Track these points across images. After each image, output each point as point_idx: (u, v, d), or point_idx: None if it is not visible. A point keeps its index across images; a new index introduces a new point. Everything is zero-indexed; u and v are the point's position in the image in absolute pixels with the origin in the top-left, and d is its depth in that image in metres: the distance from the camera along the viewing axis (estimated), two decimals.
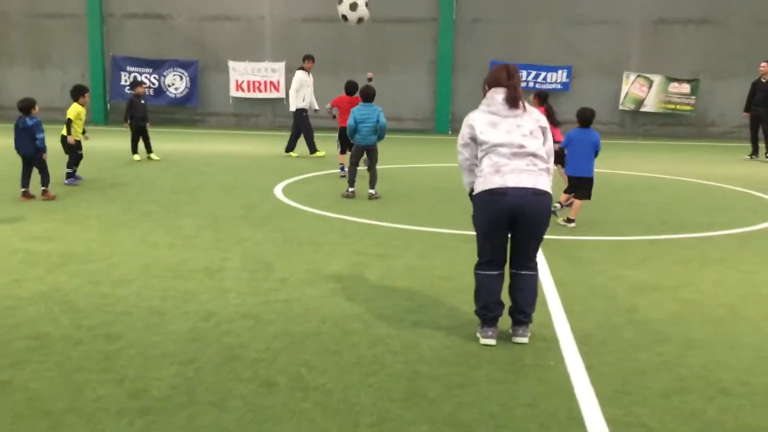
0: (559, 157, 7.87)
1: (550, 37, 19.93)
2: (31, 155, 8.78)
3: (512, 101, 4.17)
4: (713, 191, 10.49)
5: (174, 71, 21.53)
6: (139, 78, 20.99)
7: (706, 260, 6.26)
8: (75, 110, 10.24)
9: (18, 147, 8.82)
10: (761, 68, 14.32)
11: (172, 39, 21.51)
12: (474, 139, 4.19)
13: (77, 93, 10.45)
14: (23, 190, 8.80)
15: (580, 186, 7.63)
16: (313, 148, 14.21)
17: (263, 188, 10.07)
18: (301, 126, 14.14)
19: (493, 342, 4.18)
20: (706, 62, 19.46)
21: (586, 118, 7.62)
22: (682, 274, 5.77)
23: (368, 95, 9.36)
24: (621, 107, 19.80)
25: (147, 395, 3.44)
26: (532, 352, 4.07)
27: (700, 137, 19.30)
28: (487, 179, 4.09)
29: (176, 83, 21.48)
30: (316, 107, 14.62)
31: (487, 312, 4.23)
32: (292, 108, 14.13)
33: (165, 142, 17.14)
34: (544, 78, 20.02)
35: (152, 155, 13.14)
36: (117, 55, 21.62)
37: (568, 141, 7.68)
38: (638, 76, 19.71)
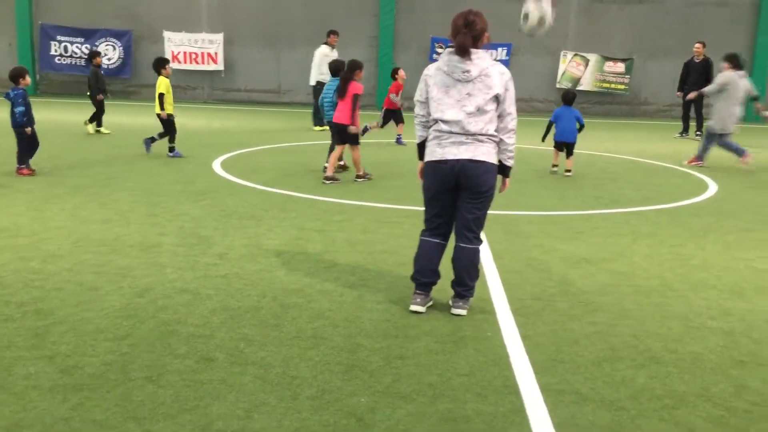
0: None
1: (490, 15, 19.94)
2: (14, 128, 8.43)
3: (460, 49, 4.02)
4: (645, 168, 10.80)
5: (106, 41, 20.83)
6: (70, 48, 20.23)
7: (637, 234, 6.46)
8: (164, 83, 10.06)
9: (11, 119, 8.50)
10: (695, 49, 14.76)
11: (104, 7, 20.77)
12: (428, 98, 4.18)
13: (159, 65, 10.18)
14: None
15: (567, 148, 9.83)
16: (316, 121, 14.29)
17: (201, 162, 9.88)
18: (316, 99, 14.26)
19: (421, 309, 4.25)
20: (640, 42, 19.94)
21: (568, 98, 9.99)
22: (614, 248, 5.94)
23: (332, 70, 9.10)
24: (558, 85, 20.13)
25: (80, 372, 3.36)
26: (470, 324, 4.13)
27: (634, 115, 19.82)
28: (430, 149, 4.19)
29: (109, 53, 20.79)
30: None
31: (420, 277, 4.31)
32: (312, 82, 14.30)
33: None
34: None
35: (103, 129, 12.88)
36: (46, 24, 20.76)
37: (555, 116, 9.95)
38: (575, 55, 20.06)
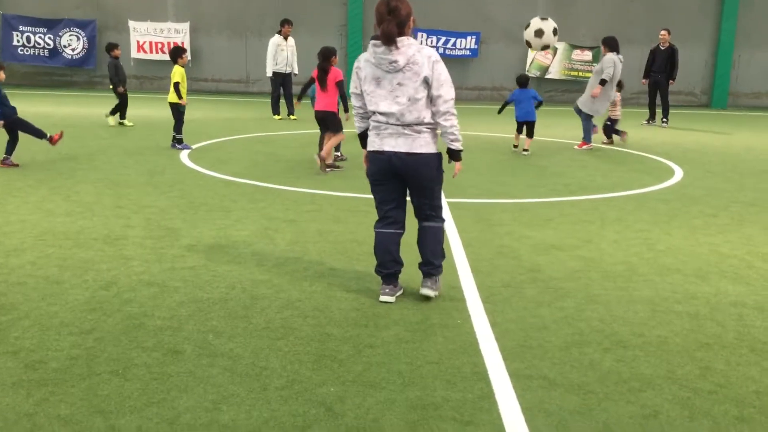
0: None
1: (459, 3, 20.05)
2: None
3: (385, 38, 3.89)
4: (612, 155, 10.91)
5: (70, 31, 20.44)
6: (32, 38, 19.82)
7: (604, 221, 6.52)
8: (180, 72, 10.00)
9: None
10: (660, 36, 14.91)
11: None
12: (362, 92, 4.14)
13: (176, 54, 10.12)
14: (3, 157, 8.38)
15: (528, 127, 10.61)
16: (275, 110, 14.58)
17: (169, 154, 9.75)
18: (272, 88, 14.66)
19: (390, 299, 4.24)
20: (606, 30, 20.08)
21: (522, 81, 10.88)
22: (582, 234, 5.99)
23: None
24: (527, 74, 20.21)
25: (44, 366, 3.30)
26: (440, 312, 4.14)
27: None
28: (370, 139, 4.18)
29: (73, 44, 20.42)
30: (296, 71, 14.94)
31: (382, 269, 4.29)
32: (268, 73, 14.56)
33: (62, 105, 16.34)
34: (453, 44, 20.19)
35: (126, 121, 12.73)
36: (8, 14, 20.31)
37: (512, 97, 10.83)
38: None
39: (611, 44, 11.17)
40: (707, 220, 6.64)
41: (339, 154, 9.36)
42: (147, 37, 20.29)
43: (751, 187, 8.42)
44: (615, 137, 11.86)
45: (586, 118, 11.28)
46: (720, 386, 3.29)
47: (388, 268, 4.28)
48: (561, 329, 3.93)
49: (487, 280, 4.72)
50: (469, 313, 4.15)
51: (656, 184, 8.42)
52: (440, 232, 4.31)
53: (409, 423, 2.89)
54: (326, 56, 8.50)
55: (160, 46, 20.37)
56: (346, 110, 8.54)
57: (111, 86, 12.64)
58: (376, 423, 2.88)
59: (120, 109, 12.61)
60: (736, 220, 6.67)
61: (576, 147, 11.33)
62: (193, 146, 10.38)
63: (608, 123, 11.87)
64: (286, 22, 14.60)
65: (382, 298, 4.26)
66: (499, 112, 11.18)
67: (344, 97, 8.49)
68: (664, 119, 15.09)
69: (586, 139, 11.28)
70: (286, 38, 14.48)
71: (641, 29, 19.61)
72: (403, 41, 3.94)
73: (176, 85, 10.02)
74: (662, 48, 14.76)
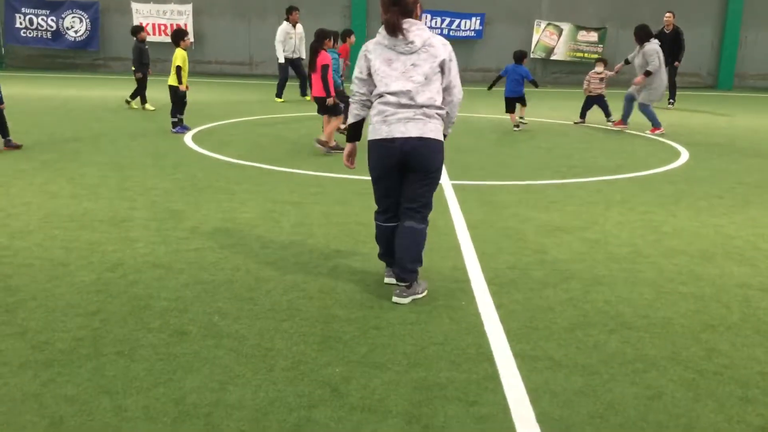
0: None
1: None
2: None
3: (390, 28, 3.85)
4: (618, 136, 10.86)
5: (73, 13, 20.36)
6: (35, 20, 19.73)
7: (609, 202, 6.50)
8: (181, 56, 9.90)
9: None
10: (665, 19, 14.78)
11: None
12: (371, 75, 4.00)
13: (178, 37, 10.01)
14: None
15: (516, 101, 11.05)
16: (279, 94, 14.69)
17: (173, 136, 9.73)
18: (281, 73, 14.72)
19: (393, 281, 4.19)
20: (612, 10, 19.94)
21: (517, 56, 11.03)
22: (587, 216, 5.98)
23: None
24: (532, 55, 20.08)
25: (51, 347, 3.31)
26: (445, 293, 4.14)
27: (608, 85, 19.87)
28: (375, 128, 3.96)
29: (75, 26, 20.33)
30: (303, 56, 14.87)
31: (385, 257, 4.26)
32: (281, 59, 14.66)
33: (65, 87, 16.33)
34: (458, 25, 20.06)
35: (147, 105, 12.58)
36: None
37: (504, 71, 11.17)
38: (548, 24, 20.01)
39: (643, 35, 11.03)
40: (712, 201, 6.62)
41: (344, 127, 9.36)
42: (150, 19, 20.19)
43: (757, 168, 8.38)
44: (601, 120, 11.83)
45: (644, 108, 11.06)
46: (725, 367, 3.29)
47: (391, 256, 4.21)
48: (566, 311, 3.93)
49: (492, 262, 4.72)
50: (474, 294, 4.15)
51: (662, 166, 8.39)
52: (422, 236, 4.05)
53: (414, 403, 2.90)
54: (319, 38, 8.48)
55: (163, 28, 20.29)
56: (329, 95, 8.48)
57: (133, 69, 12.53)
58: (381, 403, 2.89)
59: (139, 93, 12.52)
60: (741, 201, 6.64)
61: (648, 133, 11.13)
62: (196, 129, 10.36)
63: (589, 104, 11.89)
64: (293, 9, 14.54)
65: (387, 280, 4.26)
66: (489, 88, 11.67)
67: (326, 82, 8.44)
68: (671, 100, 15.01)
69: (656, 124, 11.09)
70: (294, 25, 14.48)
71: (648, 10, 19.44)
72: (416, 24, 3.89)
73: (178, 68, 9.94)
74: (667, 31, 14.64)
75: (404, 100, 3.87)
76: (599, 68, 11.78)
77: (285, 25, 14.46)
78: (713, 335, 3.65)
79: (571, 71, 20.41)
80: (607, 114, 11.76)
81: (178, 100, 10.08)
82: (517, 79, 10.95)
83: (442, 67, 3.92)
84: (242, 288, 4.15)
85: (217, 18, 20.57)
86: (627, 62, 11.74)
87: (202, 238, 5.11)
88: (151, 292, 4.05)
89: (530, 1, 20.06)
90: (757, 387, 3.11)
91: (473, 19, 19.99)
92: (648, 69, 10.86)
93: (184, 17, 20.18)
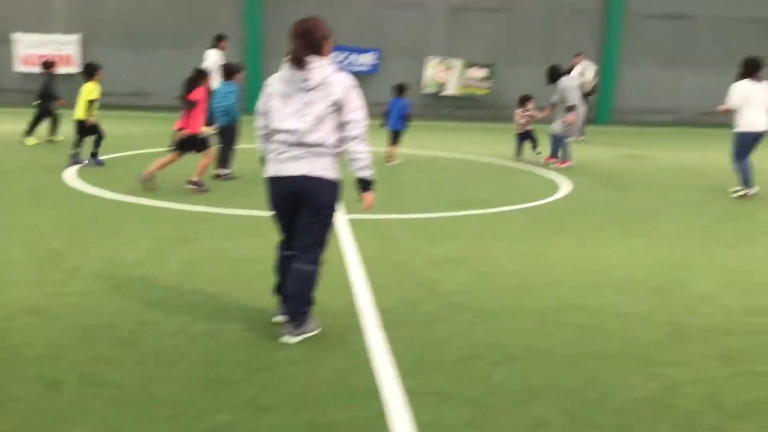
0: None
1: (359, 19, 20.24)
2: None
3: (293, 60, 3.83)
4: (507, 170, 11.26)
5: None
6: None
7: (498, 234, 6.71)
8: (96, 89, 9.70)
9: None
10: (576, 60, 15.76)
11: None
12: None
13: (92, 71, 9.81)
14: None
15: (397, 136, 11.37)
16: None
17: (54, 171, 9.29)
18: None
19: (282, 319, 4.09)
20: (501, 48, 20.79)
21: (398, 89, 11.57)
22: (478, 248, 6.14)
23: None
24: (424, 90, 20.61)
25: None
26: (336, 330, 4.12)
27: (497, 119, 20.61)
28: (269, 165, 3.98)
29: None
30: None
31: (279, 289, 4.19)
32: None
33: None
34: (353, 60, 20.34)
35: (31, 139, 11.97)
36: None
37: (390, 105, 11.56)
38: (440, 60, 20.63)
39: (555, 74, 11.73)
40: (593, 232, 6.95)
41: (229, 172, 9.19)
42: (33, 50, 19.34)
43: (636, 199, 8.88)
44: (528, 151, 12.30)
45: (557, 140, 11.70)
46: (603, 395, 3.43)
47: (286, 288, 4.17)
48: (455, 343, 3.99)
49: (384, 297, 4.74)
50: (365, 330, 4.15)
51: (545, 198, 8.75)
52: (313, 278, 3.98)
53: None
54: (197, 75, 8.37)
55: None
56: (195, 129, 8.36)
57: (38, 102, 12.10)
58: None
59: (36, 125, 12.10)
60: (621, 232, 7.01)
61: (554, 164, 11.67)
62: (81, 164, 9.93)
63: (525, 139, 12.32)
64: (222, 37, 14.41)
65: (277, 318, 4.19)
66: (382, 125, 11.71)
67: (208, 117, 8.54)
68: (583, 136, 15.74)
69: (566, 158, 11.66)
70: (223, 52, 14.26)
71: (535, 48, 20.42)
72: (318, 61, 3.86)
73: (91, 102, 9.80)
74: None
75: (293, 139, 3.86)
76: (528, 106, 12.19)
77: (215, 53, 14.16)
78: (593, 363, 3.80)
79: (462, 106, 21.08)
80: (535, 146, 12.20)
81: (87, 133, 9.89)
82: (398, 111, 11.36)
83: (338, 106, 3.87)
84: (124, 332, 3.97)
85: (107, 48, 19.93)
86: (553, 105, 12.27)
87: (83, 280, 4.87)
88: (25, 339, 3.82)
89: (423, 37, 20.63)
90: (633, 414, 3.26)
91: (368, 53, 20.35)
92: (568, 105, 11.50)
93: (70, 47, 19.47)
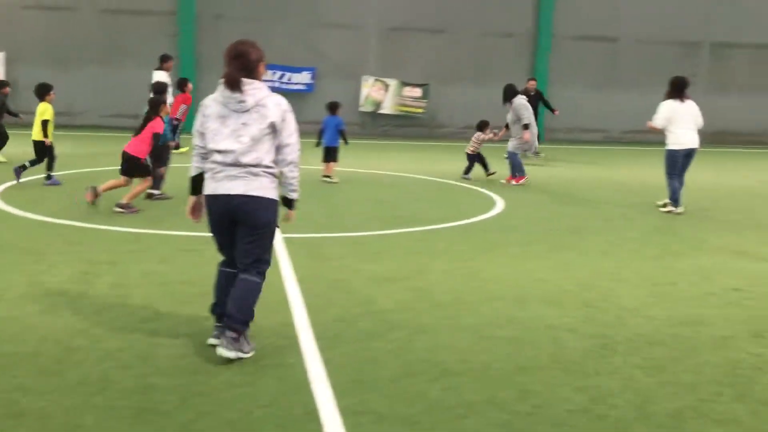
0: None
1: (293, 38, 20.23)
2: None
3: (228, 82, 3.86)
4: (442, 187, 11.39)
5: None
6: None
7: (434, 251, 6.76)
8: (49, 110, 9.70)
9: None
10: (529, 85, 16.19)
11: None
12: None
13: (45, 91, 9.80)
14: None
15: (330, 152, 11.46)
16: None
17: None
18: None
19: (217, 342, 4.02)
20: (435, 68, 21.10)
21: (330, 107, 11.86)
22: (413, 265, 6.17)
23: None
24: (361, 109, 20.72)
25: None
26: (273, 352, 4.07)
27: (432, 137, 20.87)
28: (206, 184, 4.02)
29: None
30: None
31: (215, 308, 4.14)
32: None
33: None
34: (289, 79, 20.30)
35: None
36: None
37: (325, 124, 11.62)
38: (376, 79, 20.80)
39: (510, 93, 12.07)
40: (525, 248, 7.08)
41: (161, 192, 9.01)
42: None
43: (567, 215, 9.11)
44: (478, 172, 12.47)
45: (512, 157, 11.96)
46: (537, 407, 3.48)
47: (221, 307, 4.09)
48: (391, 361, 3.99)
49: (320, 316, 4.71)
50: (302, 350, 4.11)
51: (480, 214, 8.88)
52: (255, 290, 4.00)
53: None
54: (155, 104, 8.31)
55: None
56: (138, 160, 8.23)
57: None
58: None
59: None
60: (552, 246, 7.16)
61: (505, 181, 11.87)
62: (4, 185, 9.57)
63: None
64: (167, 57, 14.34)
65: (211, 340, 4.10)
66: (318, 144, 11.58)
67: (153, 147, 8.39)
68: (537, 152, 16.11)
69: (521, 173, 11.89)
70: (168, 73, 14.22)
71: (468, 69, 20.82)
72: (253, 84, 3.90)
73: (44, 122, 9.72)
74: (532, 94, 15.87)
75: (230, 159, 3.91)
76: (485, 131, 12.38)
77: (161, 74, 13.98)
78: (526, 377, 3.86)
79: (399, 124, 21.26)
80: (486, 169, 12.36)
81: (44, 154, 9.83)
82: (331, 129, 11.49)
83: (273, 128, 3.93)
84: (49, 360, 3.82)
85: (33, 66, 19.33)
86: (507, 126, 12.46)
87: (5, 306, 4.67)
88: None
89: (358, 57, 20.75)
90: (566, 425, 3.31)
91: (304, 72, 20.34)
92: (524, 122, 11.80)
93: None
